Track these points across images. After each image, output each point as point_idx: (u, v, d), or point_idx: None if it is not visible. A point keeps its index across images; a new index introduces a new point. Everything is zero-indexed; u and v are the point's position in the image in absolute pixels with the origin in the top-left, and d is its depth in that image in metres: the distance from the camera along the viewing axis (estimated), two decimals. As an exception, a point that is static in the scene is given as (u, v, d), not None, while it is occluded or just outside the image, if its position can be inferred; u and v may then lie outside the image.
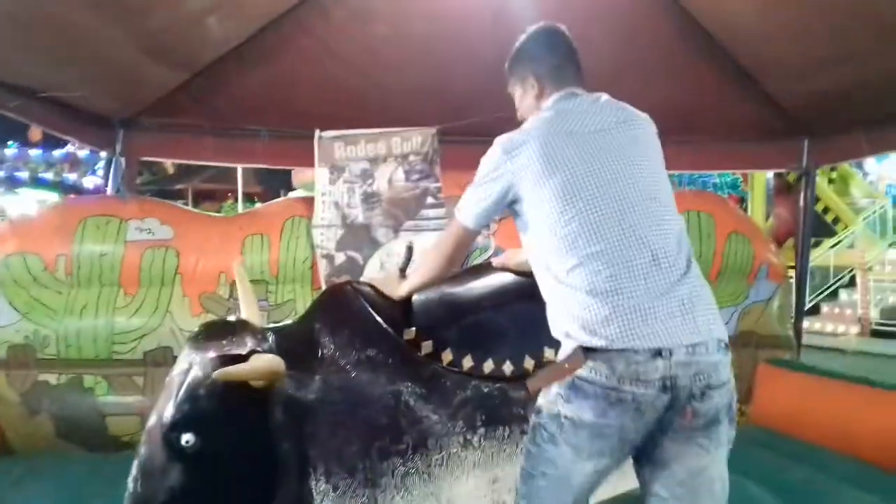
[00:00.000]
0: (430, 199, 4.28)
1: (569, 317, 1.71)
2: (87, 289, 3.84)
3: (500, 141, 1.93)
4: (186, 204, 18.78)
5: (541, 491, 1.71)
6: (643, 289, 1.69)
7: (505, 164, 1.88)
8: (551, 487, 1.69)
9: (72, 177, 17.39)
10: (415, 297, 2.33)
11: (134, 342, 3.83)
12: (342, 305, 2.34)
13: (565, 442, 1.66)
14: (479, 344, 2.23)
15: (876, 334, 11.30)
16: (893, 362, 9.58)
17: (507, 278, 2.38)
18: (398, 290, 2.30)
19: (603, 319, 1.65)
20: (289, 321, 2.56)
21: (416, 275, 2.26)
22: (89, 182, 16.65)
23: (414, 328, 2.26)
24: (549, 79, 2.05)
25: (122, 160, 4.32)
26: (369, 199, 4.27)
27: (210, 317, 3.92)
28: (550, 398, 1.70)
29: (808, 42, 3.44)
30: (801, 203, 4.77)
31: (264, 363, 2.03)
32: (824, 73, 3.68)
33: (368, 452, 2.03)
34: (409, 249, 2.52)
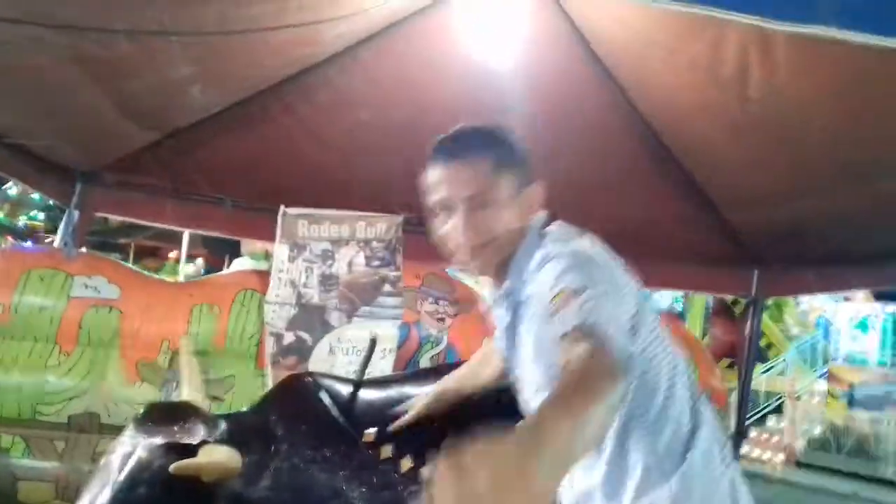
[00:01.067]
0: (387, 287, 4.25)
1: None
2: (20, 342, 3.65)
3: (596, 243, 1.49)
4: (127, 259, 18.31)
5: None
6: None
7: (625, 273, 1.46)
8: None
9: (11, 219, 16.90)
10: (379, 396, 2.25)
11: (61, 404, 3.63)
12: (301, 398, 2.24)
13: None
14: (440, 453, 2.15)
15: (801, 465, 11.48)
16: (817, 497, 9.71)
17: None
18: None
19: None
20: (244, 409, 2.44)
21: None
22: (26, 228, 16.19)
23: (375, 429, 2.14)
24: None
25: (77, 213, 4.18)
26: (327, 280, 4.22)
27: (146, 387, 3.76)
28: None
29: (769, 174, 3.58)
30: (747, 331, 4.87)
31: (221, 457, 1.91)
32: (781, 207, 3.83)
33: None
34: (373, 342, 2.46)
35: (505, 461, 0.91)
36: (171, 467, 1.80)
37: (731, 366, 10.35)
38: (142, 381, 3.78)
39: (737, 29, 2.29)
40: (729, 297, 9.76)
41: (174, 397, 3.82)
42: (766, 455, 11.75)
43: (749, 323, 4.96)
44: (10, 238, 16.27)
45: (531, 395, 1.53)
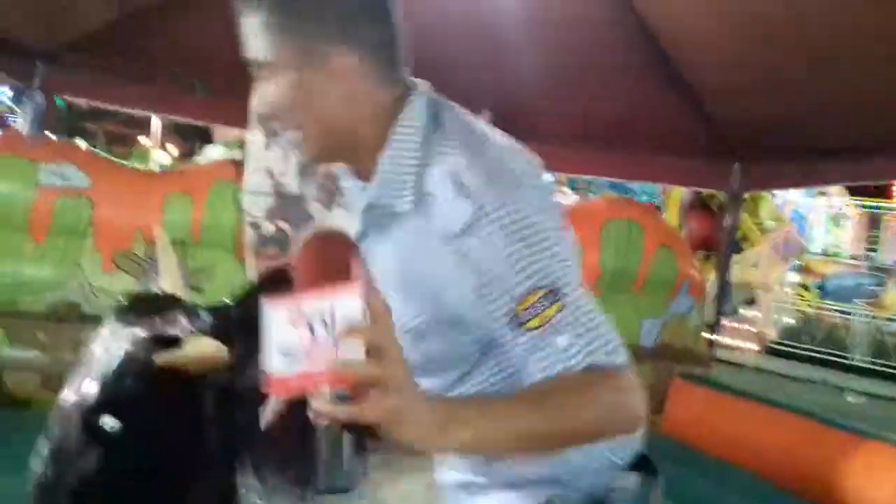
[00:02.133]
0: (368, 177, 4.16)
1: None
2: (-10, 232, 3.56)
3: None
4: (96, 146, 17.85)
5: None
6: None
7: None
8: None
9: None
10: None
11: (38, 294, 3.58)
12: (287, 289, 2.19)
13: None
14: None
15: (772, 352, 11.87)
16: (788, 381, 10.09)
17: None
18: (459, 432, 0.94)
19: None
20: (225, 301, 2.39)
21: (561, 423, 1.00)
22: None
23: None
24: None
25: (40, 95, 4.00)
26: (305, 170, 4.11)
27: (123, 275, 3.71)
28: None
29: (749, 65, 3.50)
30: (727, 225, 4.88)
31: (207, 349, 1.89)
32: (763, 101, 3.76)
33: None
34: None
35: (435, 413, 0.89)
36: (157, 359, 1.77)
37: (706, 258, 10.51)
38: (119, 270, 3.72)
39: None
40: (706, 192, 9.77)
41: (153, 288, 3.79)
42: (739, 343, 12.11)
43: (729, 216, 4.97)
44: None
45: None
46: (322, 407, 0.86)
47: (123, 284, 3.68)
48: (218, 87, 4.21)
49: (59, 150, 3.81)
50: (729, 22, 3.19)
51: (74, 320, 3.58)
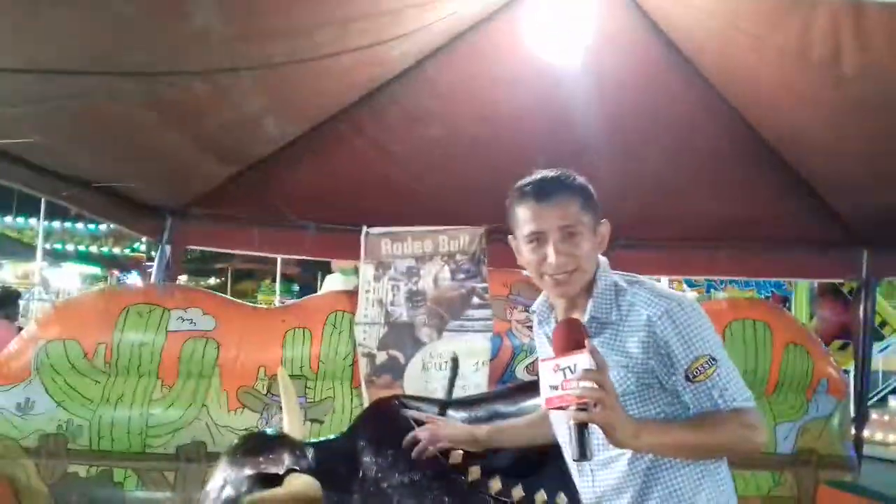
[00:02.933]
0: (475, 300, 4.19)
1: None
2: (124, 378, 3.78)
3: None
4: (226, 282, 18.94)
5: None
6: None
7: None
8: None
9: (115, 250, 17.70)
10: (465, 416, 2.21)
11: (168, 436, 3.74)
12: (387, 422, 2.22)
13: None
14: (530, 472, 2.08)
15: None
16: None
17: None
18: (643, 433, 1.56)
19: None
20: (331, 436, 2.44)
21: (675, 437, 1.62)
22: (129, 258, 16.95)
23: (461, 451, 2.10)
24: None
25: (169, 248, 4.32)
26: (414, 297, 4.20)
27: (247, 413, 3.84)
28: None
29: (869, 156, 3.37)
30: (861, 314, 4.59)
31: (299, 487, 1.93)
32: (886, 187, 3.59)
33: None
34: (454, 362, 2.43)
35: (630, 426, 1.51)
36: (247, 500, 1.84)
37: (842, 347, 9.81)
38: (243, 407, 3.85)
39: (826, 6, 2.13)
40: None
41: (275, 423, 3.90)
42: (890, 437, 11.07)
43: (862, 305, 4.67)
44: (114, 271, 17.08)
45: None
46: (573, 415, 1.42)
47: (247, 421, 3.80)
48: (328, 225, 4.45)
49: (187, 296, 4.06)
50: (836, 116, 3.11)
51: (201, 459, 3.70)
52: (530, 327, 4.21)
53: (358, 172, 4.04)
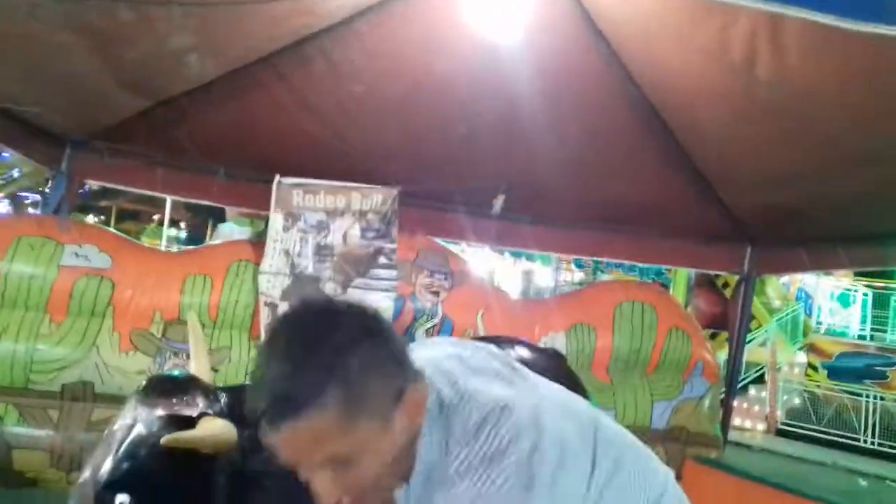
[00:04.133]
0: (382, 259, 4.23)
1: None
2: (10, 311, 3.62)
3: None
4: (108, 222, 18.11)
5: None
6: None
7: None
8: None
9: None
10: None
11: (53, 373, 3.62)
12: None
13: None
14: None
15: (780, 433, 11.70)
16: (797, 463, 9.91)
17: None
18: None
19: None
20: (243, 382, 2.45)
21: None
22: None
23: None
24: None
25: (65, 179, 4.12)
26: (322, 251, 4.20)
27: (139, 356, 3.75)
28: None
29: (766, 158, 3.59)
30: (739, 308, 4.92)
31: (216, 430, 1.93)
32: (777, 189, 3.85)
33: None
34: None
35: None
36: (163, 439, 1.83)
37: (712, 336, 10.48)
38: (135, 350, 3.76)
39: (748, 14, 2.27)
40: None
41: (168, 367, 3.83)
42: (748, 424, 11.95)
43: (741, 298, 5.01)
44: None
45: None
46: None
47: (139, 363, 3.72)
48: (238, 172, 4.35)
49: (83, 232, 3.91)
50: (742, 117, 3.30)
51: (88, 399, 3.60)
52: (435, 292, 4.32)
53: (275, 121, 3.96)
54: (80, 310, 3.72)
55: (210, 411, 2.02)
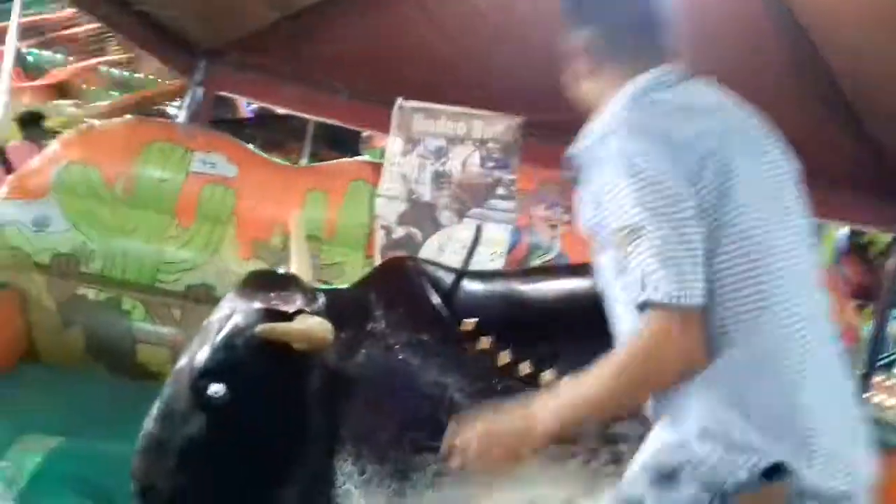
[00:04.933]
0: (501, 190, 4.10)
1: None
2: (142, 211, 3.78)
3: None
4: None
5: None
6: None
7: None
8: None
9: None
10: (482, 288, 2.16)
11: (178, 273, 3.77)
12: (402, 280, 2.19)
13: None
14: (541, 350, 2.04)
15: (925, 417, 10.82)
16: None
17: (584, 283, 2.19)
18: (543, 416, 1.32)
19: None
20: (343, 285, 2.42)
21: (579, 394, 1.32)
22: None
23: (475, 319, 2.05)
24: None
25: (201, 90, 4.23)
26: (439, 178, 4.12)
27: (260, 264, 3.83)
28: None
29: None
30: (889, 269, 4.45)
31: (313, 327, 1.90)
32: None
33: (402, 443, 1.87)
34: (478, 229, 2.38)
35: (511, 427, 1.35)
36: (258, 329, 1.82)
37: (859, 308, 9.72)
38: (256, 258, 3.85)
39: None
40: (867, 235, 9.00)
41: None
42: (892, 402, 11.13)
43: (892, 261, 4.53)
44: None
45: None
46: None
47: (258, 272, 3.81)
48: (362, 92, 4.32)
49: (212, 140, 4.01)
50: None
51: (209, 302, 3.72)
52: (553, 226, 4.16)
53: (401, 41, 3.89)
54: (206, 216, 3.84)
55: (307, 309, 1.99)
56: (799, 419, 1.20)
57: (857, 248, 12.66)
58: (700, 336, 1.20)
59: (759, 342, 1.23)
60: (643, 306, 1.20)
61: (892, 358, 12.01)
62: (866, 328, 5.11)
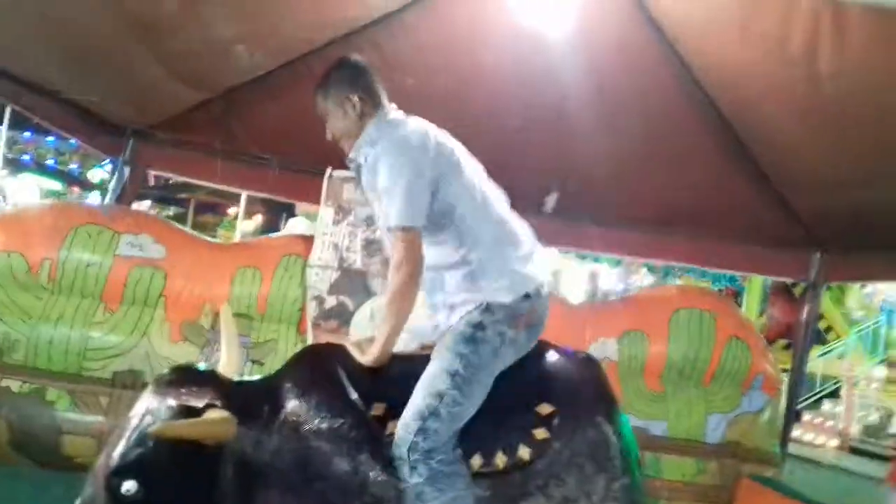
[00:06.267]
0: (432, 257, 4.18)
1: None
2: (67, 297, 3.71)
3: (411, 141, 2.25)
4: (187, 213, 18.65)
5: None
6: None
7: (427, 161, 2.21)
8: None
9: (79, 168, 17.24)
10: (392, 370, 2.23)
11: (105, 360, 3.69)
12: (316, 369, 2.26)
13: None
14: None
15: (855, 451, 11.14)
16: (871, 484, 9.40)
17: None
18: (372, 350, 2.21)
19: None
20: (260, 376, 2.46)
21: (387, 326, 2.20)
22: (95, 176, 16.53)
23: (384, 404, 2.17)
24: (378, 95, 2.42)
25: (128, 169, 4.22)
26: (370, 245, 4.18)
27: (189, 347, 3.80)
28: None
29: (832, 158, 3.42)
30: (805, 315, 4.68)
31: (210, 422, 1.95)
32: (846, 193, 3.64)
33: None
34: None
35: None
36: (150, 429, 1.88)
37: (787, 347, 10.06)
38: (185, 340, 3.81)
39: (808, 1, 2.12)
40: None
41: (216, 359, 3.87)
42: (820, 439, 11.43)
43: (807, 307, 4.77)
44: (76, 189, 16.68)
45: None
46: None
47: (187, 354, 3.76)
48: (293, 165, 4.38)
49: (139, 221, 3.98)
50: (805, 113, 3.13)
51: (137, 387, 3.66)
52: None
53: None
54: (134, 299, 3.79)
55: (217, 403, 2.04)
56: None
57: (783, 290, 13.16)
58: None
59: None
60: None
61: (818, 397, 12.42)
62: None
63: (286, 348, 3.96)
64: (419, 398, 2.07)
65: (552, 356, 2.33)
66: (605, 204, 4.43)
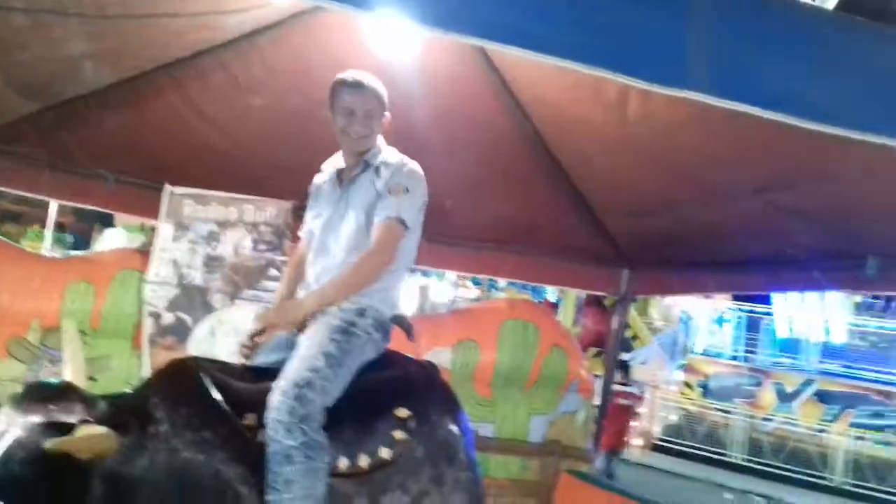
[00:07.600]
0: (273, 272, 4.26)
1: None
2: None
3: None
4: (-17, 221, 17.01)
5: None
6: None
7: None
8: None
9: None
10: (259, 382, 2.31)
11: (-79, 380, 3.45)
12: (183, 382, 2.27)
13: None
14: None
15: (657, 449, 12.26)
16: (670, 478, 10.41)
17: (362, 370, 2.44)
18: (305, 306, 2.40)
19: None
20: (126, 390, 2.45)
21: (331, 292, 2.39)
22: None
23: (255, 414, 2.21)
24: None
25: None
26: (211, 262, 4.20)
27: (13, 362, 3.65)
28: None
29: (638, 187, 3.89)
30: (615, 325, 5.21)
31: (97, 436, 1.94)
32: (651, 218, 4.15)
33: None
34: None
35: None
36: (47, 444, 1.84)
37: (597, 354, 10.92)
38: (11, 357, 3.65)
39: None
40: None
41: (43, 375, 3.72)
42: (636, 443, 12.48)
43: (617, 318, 5.31)
44: None
45: (334, 252, 2.50)
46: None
47: (12, 371, 3.62)
48: (128, 179, 4.28)
49: (-41, 234, 3.77)
50: (616, 148, 3.55)
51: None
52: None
53: (170, 130, 3.94)
54: (-47, 314, 3.59)
55: (90, 418, 2.02)
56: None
57: (594, 302, 14.18)
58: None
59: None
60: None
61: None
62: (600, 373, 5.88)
63: (120, 364, 3.90)
64: (296, 370, 2.22)
65: (404, 364, 2.53)
66: (442, 223, 4.71)
